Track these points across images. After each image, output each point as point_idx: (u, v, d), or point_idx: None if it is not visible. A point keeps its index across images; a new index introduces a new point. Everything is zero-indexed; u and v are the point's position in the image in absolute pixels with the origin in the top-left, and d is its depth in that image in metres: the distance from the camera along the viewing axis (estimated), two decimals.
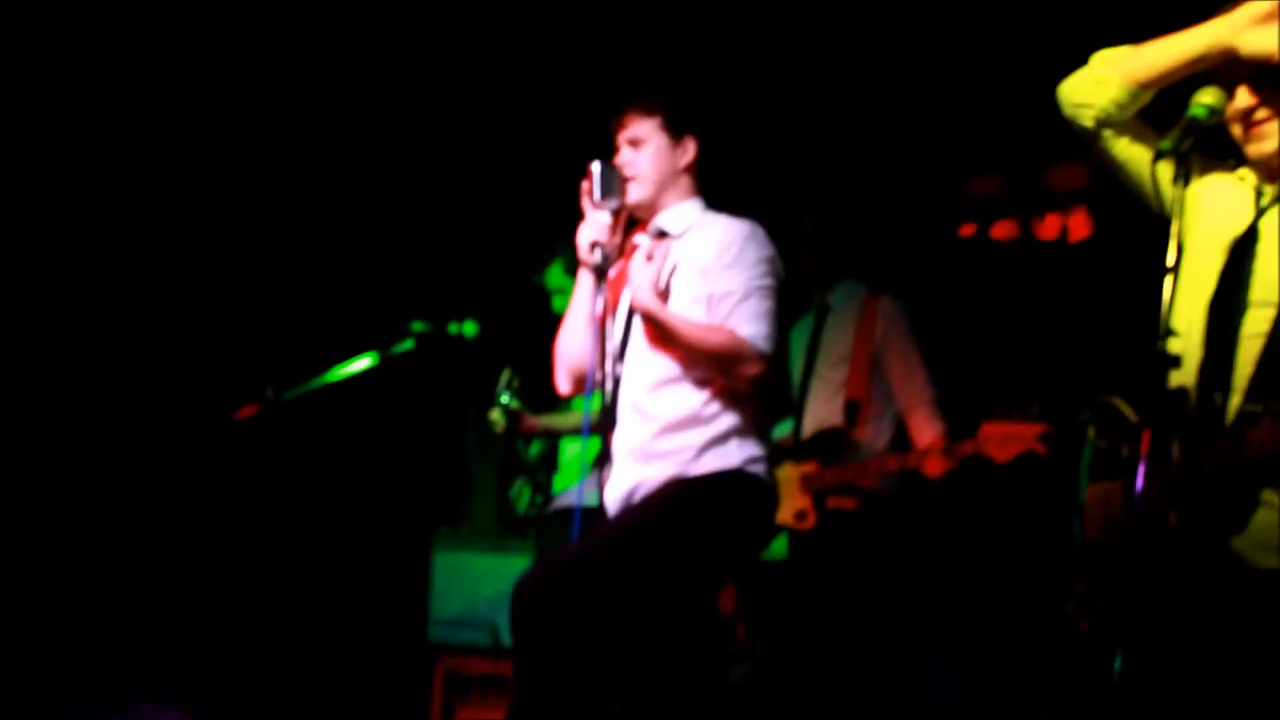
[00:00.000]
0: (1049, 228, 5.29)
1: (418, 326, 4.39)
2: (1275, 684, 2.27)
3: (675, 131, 3.31)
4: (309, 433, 5.06)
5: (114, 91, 5.00)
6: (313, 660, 5.23)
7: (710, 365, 3.16)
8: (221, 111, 5.22)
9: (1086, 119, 2.64)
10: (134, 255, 5.28)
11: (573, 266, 3.51)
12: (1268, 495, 2.32)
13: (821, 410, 4.45)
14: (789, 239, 4.52)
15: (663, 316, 3.13)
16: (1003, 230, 5.37)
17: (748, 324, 3.13)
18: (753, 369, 3.12)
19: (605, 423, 3.27)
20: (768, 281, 3.20)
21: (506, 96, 5.25)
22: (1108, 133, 2.64)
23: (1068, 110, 2.68)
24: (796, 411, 4.52)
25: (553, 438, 4.83)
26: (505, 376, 4.61)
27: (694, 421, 3.17)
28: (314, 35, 5.00)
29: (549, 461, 4.93)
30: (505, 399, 4.58)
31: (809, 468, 4.35)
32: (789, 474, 4.38)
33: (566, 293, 3.78)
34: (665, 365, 3.21)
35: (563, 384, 3.43)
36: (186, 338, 5.41)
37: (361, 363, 4.36)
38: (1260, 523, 2.33)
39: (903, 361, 4.41)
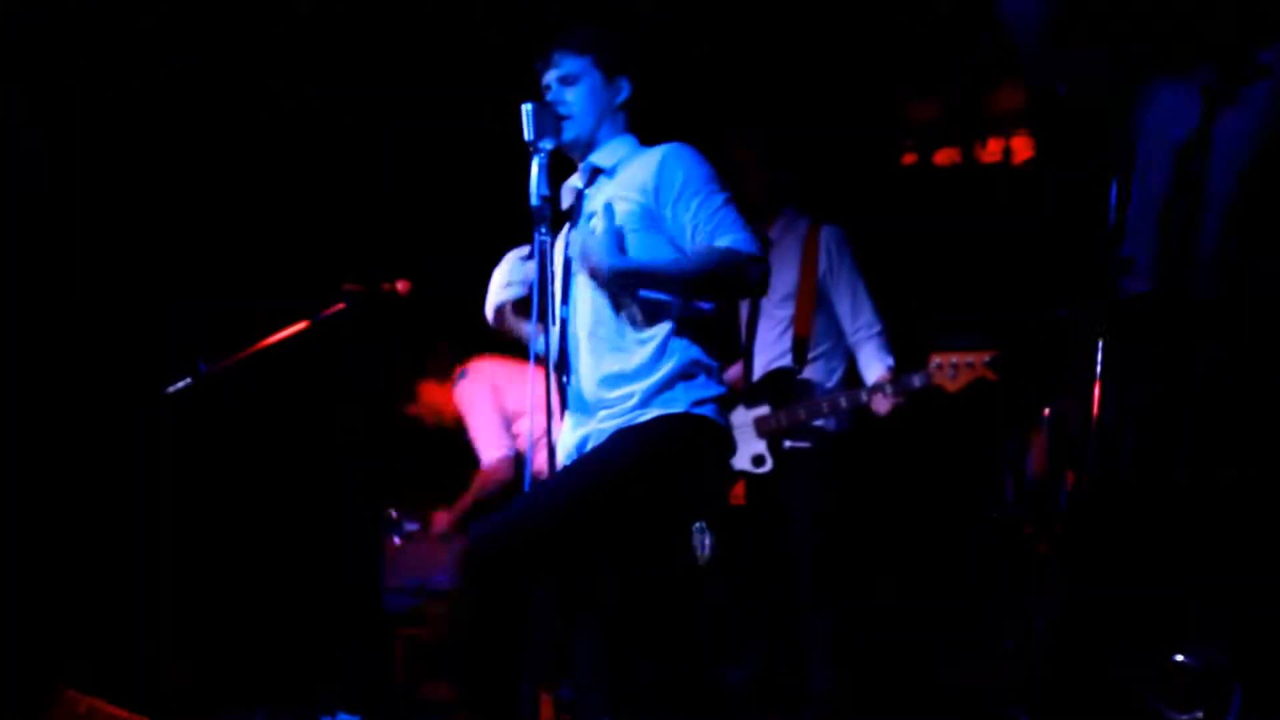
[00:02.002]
0: (991, 151, 5.22)
1: (351, 288, 4.26)
2: None
3: (609, 70, 3.22)
4: (244, 402, 4.95)
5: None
6: (266, 633, 5.14)
7: (715, 289, 3.09)
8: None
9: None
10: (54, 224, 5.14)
11: None
12: None
13: (770, 350, 4.37)
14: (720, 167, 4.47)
15: (646, 270, 3.03)
16: (945, 157, 5.29)
17: (732, 232, 3.03)
18: (757, 271, 3.02)
19: (557, 374, 3.20)
20: (728, 191, 3.10)
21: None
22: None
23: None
24: (745, 352, 4.44)
25: None
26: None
27: (637, 371, 3.09)
28: None
29: None
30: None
31: (762, 411, 4.28)
32: (743, 419, 4.32)
33: None
34: (604, 315, 3.13)
35: (490, 317, 3.34)
36: (109, 315, 5.25)
37: (293, 328, 4.23)
38: None
39: (850, 294, 4.33)
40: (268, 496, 5.49)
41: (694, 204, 3.06)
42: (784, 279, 4.38)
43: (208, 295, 5.20)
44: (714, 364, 3.16)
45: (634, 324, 3.10)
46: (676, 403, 3.06)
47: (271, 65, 5.07)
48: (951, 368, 3.91)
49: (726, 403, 3.19)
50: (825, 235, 4.36)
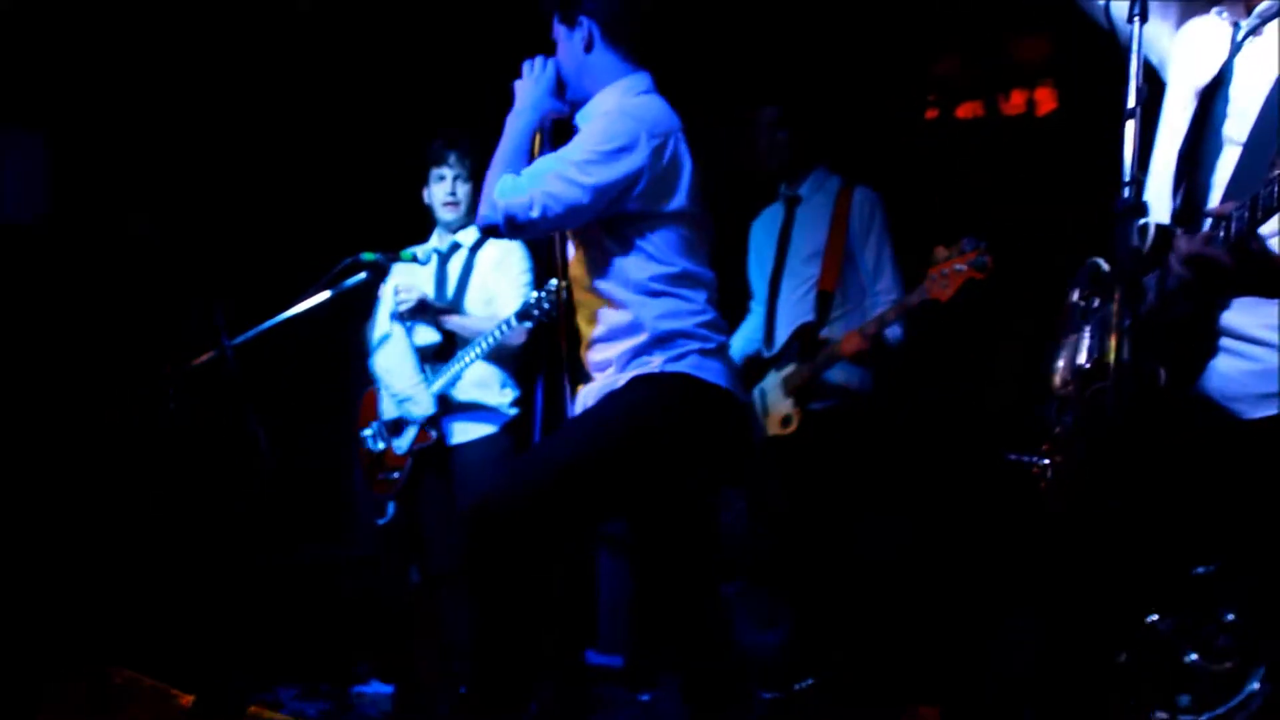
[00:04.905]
0: (1014, 104, 5.14)
1: (369, 257, 4.23)
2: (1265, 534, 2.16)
3: (568, 18, 3.15)
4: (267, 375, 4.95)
5: None
6: (299, 605, 5.15)
7: None
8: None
9: None
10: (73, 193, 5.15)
11: None
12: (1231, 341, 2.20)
13: (794, 308, 4.33)
14: (746, 128, 4.43)
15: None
16: (967, 110, 5.21)
17: (533, 185, 2.95)
18: (483, 210, 3.01)
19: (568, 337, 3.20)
20: (580, 159, 2.96)
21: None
22: None
23: None
24: (769, 309, 4.40)
25: None
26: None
27: (615, 334, 3.06)
28: None
29: None
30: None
31: (789, 371, 4.25)
32: (773, 380, 4.29)
33: None
34: (584, 282, 3.11)
35: None
36: (130, 285, 5.27)
37: (315, 298, 4.22)
38: (1233, 371, 2.21)
39: (875, 257, 4.29)
40: (296, 466, 5.49)
41: (566, 150, 3.03)
42: (813, 237, 4.34)
43: (230, 269, 5.20)
44: (699, 323, 3.06)
45: (607, 288, 3.06)
46: (650, 364, 3.01)
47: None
48: (942, 277, 3.87)
49: (723, 358, 3.10)
50: (859, 196, 4.32)
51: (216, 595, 4.82)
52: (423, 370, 4.46)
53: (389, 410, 4.54)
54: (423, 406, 4.42)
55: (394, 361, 4.56)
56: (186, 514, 5.19)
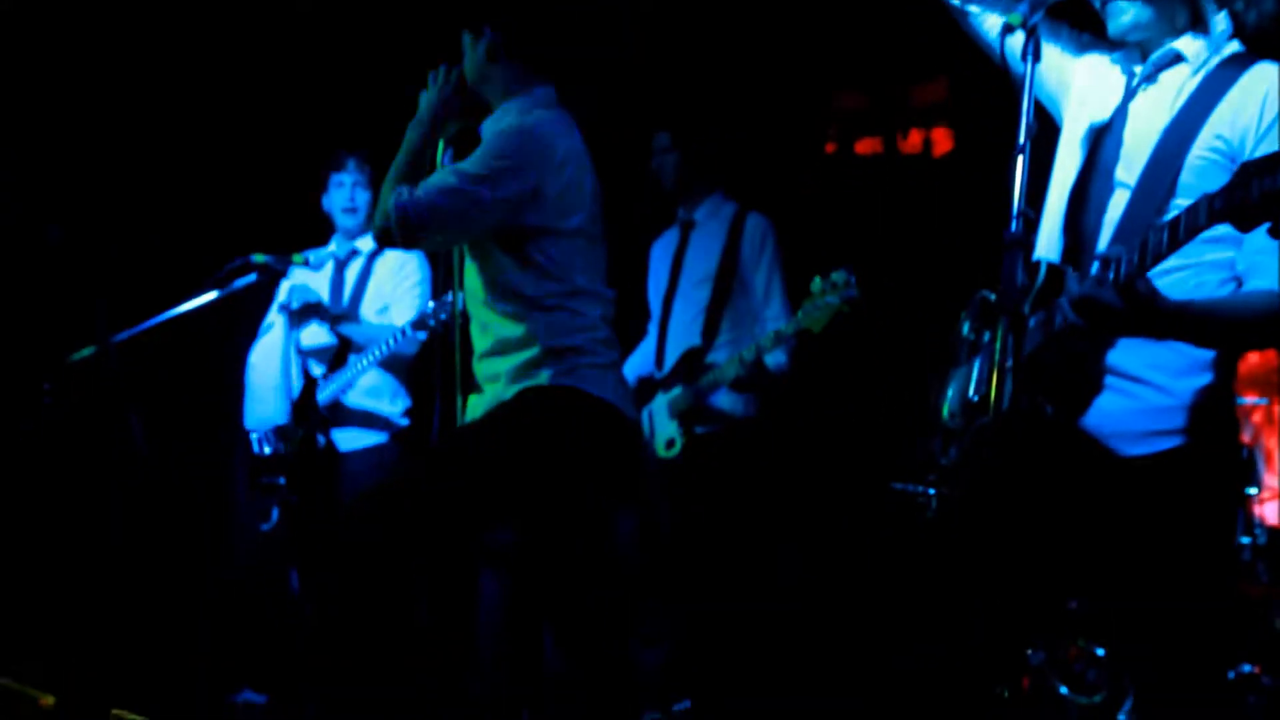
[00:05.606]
0: (912, 143, 5.24)
1: (259, 259, 4.17)
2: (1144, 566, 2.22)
3: (473, 27, 3.14)
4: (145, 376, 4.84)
5: None
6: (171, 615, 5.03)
7: None
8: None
9: None
10: None
11: None
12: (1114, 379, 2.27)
13: (683, 330, 4.36)
14: (647, 152, 4.45)
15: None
16: (867, 146, 5.30)
17: (429, 197, 2.92)
18: (377, 220, 2.98)
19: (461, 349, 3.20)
20: (476, 173, 2.94)
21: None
22: (974, 8, 2.61)
23: None
24: (660, 332, 4.42)
25: None
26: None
27: (507, 346, 3.04)
28: None
29: None
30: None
31: (675, 394, 4.27)
32: (660, 403, 4.31)
33: None
34: (476, 294, 3.10)
35: None
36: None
37: (203, 299, 4.14)
38: (1116, 408, 2.27)
39: (765, 284, 4.33)
40: (176, 467, 5.37)
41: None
42: (705, 262, 4.38)
43: (116, 263, 5.07)
44: (591, 339, 3.04)
45: (500, 302, 3.05)
46: (538, 379, 3.00)
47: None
48: (815, 309, 3.93)
49: (613, 374, 3.09)
50: (752, 223, 4.36)
51: (85, 597, 4.70)
52: (301, 370, 4.40)
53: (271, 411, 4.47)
54: (272, 411, 4.36)
55: (264, 358, 4.50)
56: (57, 513, 5.05)
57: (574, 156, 3.05)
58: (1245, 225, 1.90)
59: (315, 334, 4.42)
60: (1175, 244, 2.01)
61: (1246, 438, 4.28)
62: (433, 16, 3.31)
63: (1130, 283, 2.05)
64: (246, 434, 4.54)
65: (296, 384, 4.38)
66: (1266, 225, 1.88)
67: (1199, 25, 2.33)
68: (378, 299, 4.47)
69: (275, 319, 4.49)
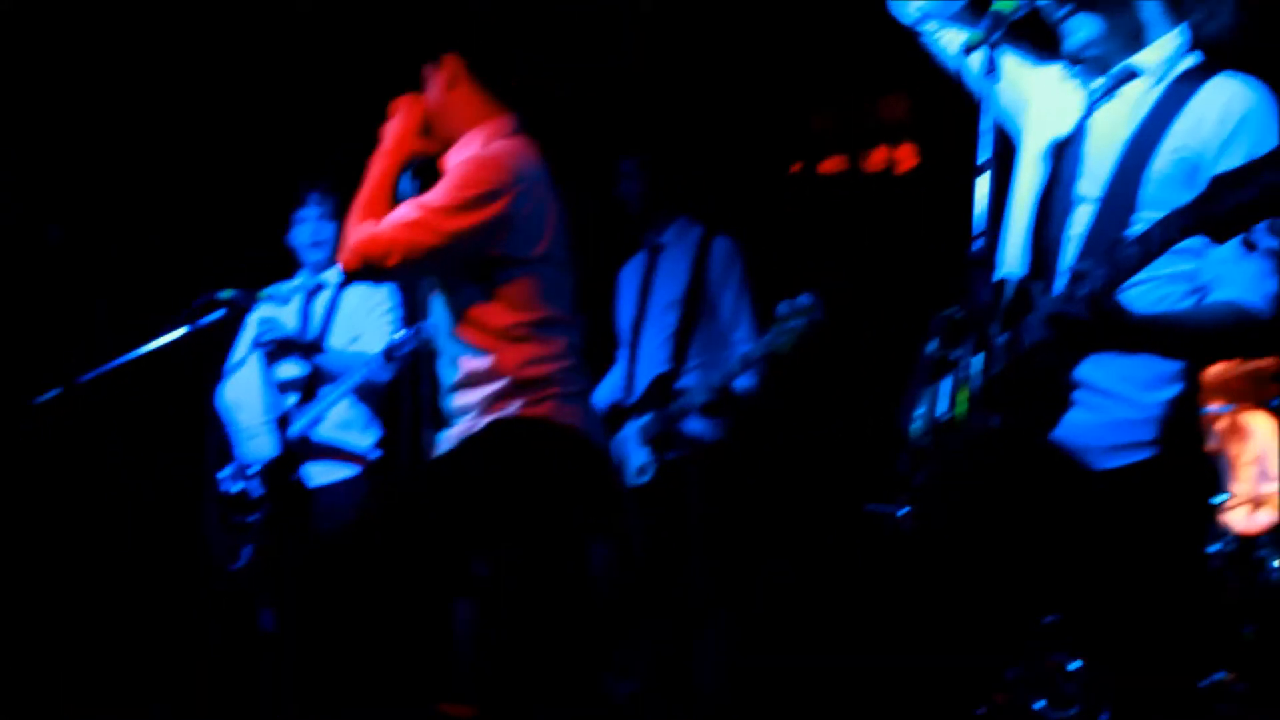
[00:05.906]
0: (875, 161, 5.27)
1: (226, 294, 4.14)
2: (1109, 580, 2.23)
3: (434, 56, 3.13)
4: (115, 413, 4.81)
5: None
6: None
7: None
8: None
9: (909, 13, 2.65)
10: None
11: None
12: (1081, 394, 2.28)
13: (652, 355, 4.35)
14: (613, 176, 4.46)
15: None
16: (831, 165, 5.32)
17: (394, 232, 2.93)
18: (342, 256, 3.00)
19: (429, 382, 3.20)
20: (440, 204, 2.95)
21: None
22: (931, 26, 2.63)
23: (892, 3, 2.67)
24: (630, 357, 4.42)
25: None
26: None
27: (476, 379, 3.02)
28: None
29: None
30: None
31: (645, 421, 4.27)
32: (630, 430, 4.30)
33: None
34: (444, 327, 3.09)
35: None
36: None
37: (170, 336, 4.10)
38: (1086, 422, 2.28)
39: (733, 307, 4.33)
40: (145, 505, 5.34)
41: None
42: (673, 286, 4.38)
43: (82, 300, 5.05)
44: (560, 368, 3.03)
45: (468, 334, 3.04)
46: (508, 410, 2.99)
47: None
48: (781, 332, 3.95)
49: (583, 404, 3.10)
50: (719, 246, 4.36)
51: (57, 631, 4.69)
52: (280, 405, 4.37)
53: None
54: (265, 446, 4.33)
55: (242, 394, 4.47)
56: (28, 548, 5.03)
57: (538, 184, 3.05)
58: (1220, 237, 1.92)
59: (288, 366, 4.40)
60: (1149, 257, 2.02)
61: (1212, 445, 4.30)
62: (395, 48, 3.29)
63: (1102, 297, 2.06)
64: (215, 473, 4.51)
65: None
66: (1239, 238, 1.90)
67: (1156, 38, 2.36)
68: (348, 329, 4.45)
69: (246, 355, 4.46)
